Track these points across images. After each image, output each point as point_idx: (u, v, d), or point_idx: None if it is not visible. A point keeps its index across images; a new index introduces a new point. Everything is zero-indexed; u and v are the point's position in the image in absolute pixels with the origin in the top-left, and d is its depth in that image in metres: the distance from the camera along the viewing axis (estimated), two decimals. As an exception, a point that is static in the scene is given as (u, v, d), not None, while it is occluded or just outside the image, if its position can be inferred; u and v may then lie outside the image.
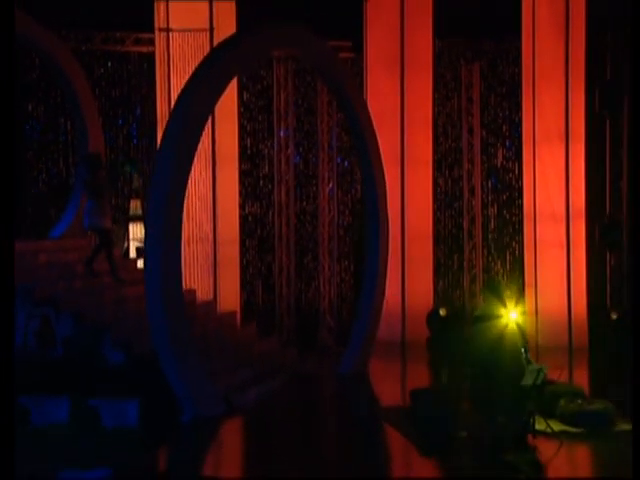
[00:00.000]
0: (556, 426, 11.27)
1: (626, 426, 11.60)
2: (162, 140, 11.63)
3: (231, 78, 12.36)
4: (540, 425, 11.10)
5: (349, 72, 16.25)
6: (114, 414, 12.46)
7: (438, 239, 18.72)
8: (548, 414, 11.58)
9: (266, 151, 18.90)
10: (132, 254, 18.40)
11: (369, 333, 15.60)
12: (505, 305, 13.52)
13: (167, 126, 11.71)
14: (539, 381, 11.38)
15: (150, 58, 17.72)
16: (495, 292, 12.49)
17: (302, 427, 12.72)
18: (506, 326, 13.12)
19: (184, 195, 11.67)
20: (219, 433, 12.00)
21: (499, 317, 13.17)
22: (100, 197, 15.36)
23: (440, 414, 11.65)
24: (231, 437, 12.14)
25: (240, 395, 13.02)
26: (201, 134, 11.79)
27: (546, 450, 10.58)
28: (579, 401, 11.97)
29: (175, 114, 11.70)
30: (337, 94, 15.65)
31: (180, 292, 11.86)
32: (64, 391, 12.74)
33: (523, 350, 12.06)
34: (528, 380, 11.23)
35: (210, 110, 11.93)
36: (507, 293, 12.88)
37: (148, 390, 12.34)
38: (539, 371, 11.29)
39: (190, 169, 11.61)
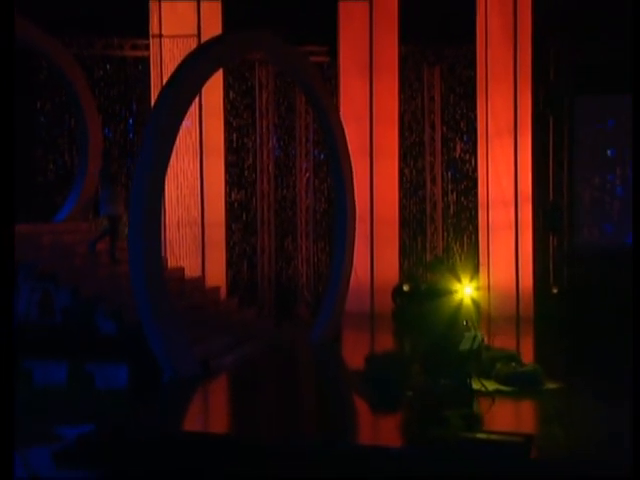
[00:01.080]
0: (491, 386, 11.57)
1: (552, 385, 11.94)
2: (144, 133, 11.88)
3: (205, 79, 12.52)
4: (477, 385, 11.42)
5: (318, 74, 16.31)
6: (106, 377, 12.74)
7: (403, 223, 18.81)
8: (486, 376, 11.89)
9: (250, 144, 19.00)
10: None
11: (337, 305, 15.80)
12: (459, 281, 13.86)
13: (148, 121, 11.96)
14: (475, 346, 11.70)
15: (145, 61, 17.81)
16: (439, 269, 12.82)
17: (271, 388, 12.90)
18: (461, 300, 13.45)
19: (164, 182, 11.90)
20: (192, 392, 12.14)
21: (455, 292, 13.52)
22: (114, 186, 15.64)
23: (389, 376, 11.97)
24: (202, 396, 12.32)
25: (217, 359, 13.29)
26: (178, 129, 11.93)
27: (480, 406, 10.96)
28: (513, 364, 12.28)
29: (155, 111, 11.94)
30: (308, 94, 15.85)
31: (160, 269, 12.07)
32: (63, 356, 13.04)
33: (466, 321, 12.42)
34: (465, 345, 11.56)
35: (186, 108, 12.08)
36: (451, 269, 13.20)
37: (136, 356, 12.64)
38: (475, 337, 11.60)
39: (169, 159, 11.83)
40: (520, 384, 11.73)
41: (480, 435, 9.50)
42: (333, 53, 18.51)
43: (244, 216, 19.09)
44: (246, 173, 19.06)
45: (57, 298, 13.49)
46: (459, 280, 13.88)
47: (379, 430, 10.68)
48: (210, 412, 11.83)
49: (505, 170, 17.52)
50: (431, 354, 12.18)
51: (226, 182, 18.30)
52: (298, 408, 11.77)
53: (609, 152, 18.23)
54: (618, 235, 18.05)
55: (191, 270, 17.06)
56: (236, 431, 10.61)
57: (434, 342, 12.20)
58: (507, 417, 10.78)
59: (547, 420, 10.85)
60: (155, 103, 12.24)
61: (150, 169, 11.48)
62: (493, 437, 9.35)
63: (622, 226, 17.96)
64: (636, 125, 8.89)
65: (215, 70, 12.96)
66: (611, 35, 16.36)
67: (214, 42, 12.97)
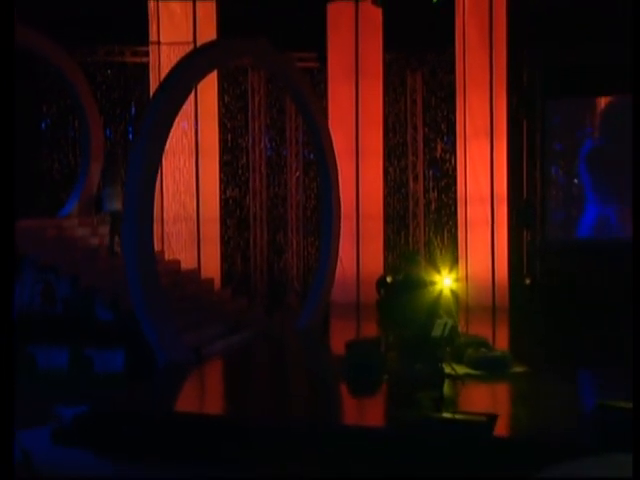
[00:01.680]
0: (461, 370, 11.77)
1: (519, 369, 12.13)
2: (135, 134, 12.05)
3: (195, 83, 12.72)
4: (448, 369, 11.61)
5: (306, 79, 16.52)
6: (104, 361, 12.94)
7: (387, 219, 18.95)
8: (458, 361, 12.08)
9: (243, 144, 19.13)
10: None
11: (323, 295, 16.07)
12: (439, 272, 14.02)
13: (140, 123, 12.11)
14: (446, 333, 11.88)
15: (145, 67, 17.93)
16: (412, 261, 12.98)
17: (261, 372, 13.17)
18: (441, 290, 13.61)
19: (155, 180, 12.04)
20: (186, 376, 12.30)
21: (434, 283, 13.66)
22: (115, 184, 15.84)
23: (368, 362, 12.18)
24: (195, 380, 12.45)
25: (210, 346, 13.50)
26: (169, 130, 12.11)
27: (450, 389, 11.16)
28: (483, 349, 12.49)
29: (147, 113, 12.09)
30: (295, 98, 16.04)
31: (152, 262, 12.20)
32: (64, 342, 13.24)
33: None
34: (437, 332, 11.74)
35: (177, 110, 12.24)
36: (420, 262, 13.35)
37: (132, 342, 12.84)
38: (445, 324, 11.78)
39: (161, 157, 12.04)
40: (489, 368, 11.93)
41: (447, 415, 9.71)
42: (322, 59, 18.68)
43: (238, 212, 19.23)
44: (240, 172, 19.17)
45: (58, 288, 13.68)
46: (439, 272, 14.04)
47: (361, 412, 10.96)
48: (204, 395, 12.02)
49: (482, 169, 17.66)
50: (409, 341, 12.38)
51: (221, 180, 18.41)
52: (286, 391, 12.03)
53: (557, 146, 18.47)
54: (568, 228, 18.31)
55: (187, 263, 17.21)
56: (228, 412, 10.79)
57: (414, 330, 12.38)
58: (476, 399, 10.93)
59: (513, 401, 11.11)
60: (148, 105, 12.40)
61: (141, 170, 11.66)
62: (459, 417, 9.56)
63: (571, 220, 18.26)
64: (636, 125, 8.58)
65: (205, 74, 13.13)
66: (582, 40, 16.59)
67: (205, 49, 13.15)
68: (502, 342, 14.67)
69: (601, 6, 15.97)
